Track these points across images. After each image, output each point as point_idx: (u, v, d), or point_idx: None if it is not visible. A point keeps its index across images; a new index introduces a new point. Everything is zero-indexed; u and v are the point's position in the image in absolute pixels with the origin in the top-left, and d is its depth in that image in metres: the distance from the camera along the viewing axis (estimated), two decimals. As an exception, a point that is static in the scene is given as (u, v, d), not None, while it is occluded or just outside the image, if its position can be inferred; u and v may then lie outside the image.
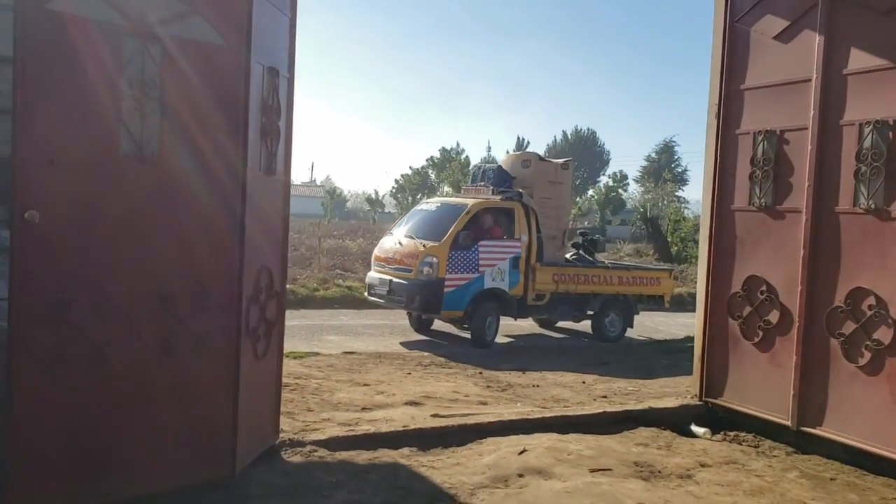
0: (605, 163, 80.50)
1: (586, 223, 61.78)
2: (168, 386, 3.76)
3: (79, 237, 3.48)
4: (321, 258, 19.52)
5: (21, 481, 3.36)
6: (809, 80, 5.34)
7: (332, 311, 13.86)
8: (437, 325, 12.39)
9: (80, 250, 3.48)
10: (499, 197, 12.03)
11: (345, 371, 8.01)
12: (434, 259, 10.95)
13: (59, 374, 3.44)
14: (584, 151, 79.96)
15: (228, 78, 3.86)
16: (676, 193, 59.94)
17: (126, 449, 3.66)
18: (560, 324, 13.50)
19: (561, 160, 13.42)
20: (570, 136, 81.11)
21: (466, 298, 11.15)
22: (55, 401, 3.45)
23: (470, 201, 11.84)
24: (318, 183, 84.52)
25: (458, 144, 60.05)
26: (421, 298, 11.01)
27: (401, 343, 11.12)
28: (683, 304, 16.37)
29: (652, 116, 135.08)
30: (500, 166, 13.01)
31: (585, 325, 13.03)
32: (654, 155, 73.39)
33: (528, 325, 13.24)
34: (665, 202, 53.87)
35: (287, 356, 8.35)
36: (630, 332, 13.06)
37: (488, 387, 7.64)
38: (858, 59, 5.06)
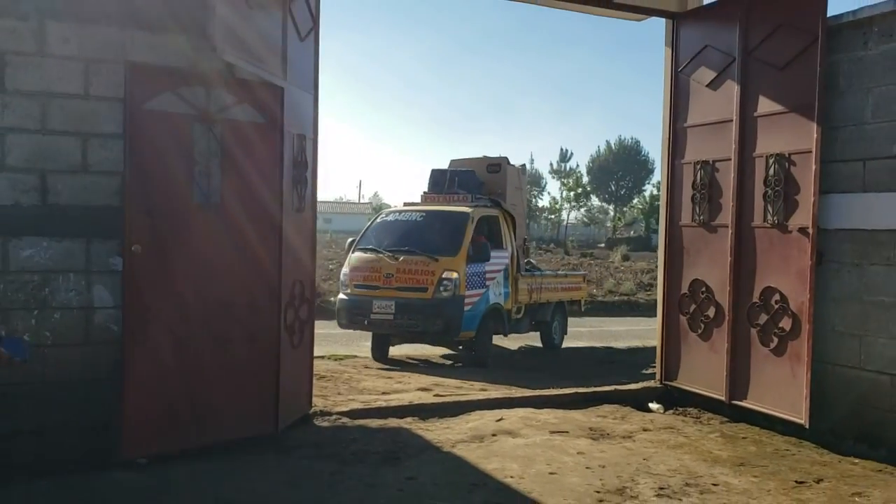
0: (650, 172, 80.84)
1: (632, 233, 62.29)
2: (229, 366, 5.27)
3: (167, 262, 5.01)
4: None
5: (132, 431, 4.88)
6: (731, 120, 6.60)
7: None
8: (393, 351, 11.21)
9: (168, 271, 5.02)
10: (485, 204, 11.24)
11: (375, 369, 9.49)
12: (454, 275, 9.87)
13: (154, 357, 4.98)
14: (628, 161, 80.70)
15: (268, 145, 5.37)
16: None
17: (199, 410, 5.16)
18: None
19: (518, 164, 12.96)
20: (613, 147, 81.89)
21: (479, 316, 10.18)
22: (151, 375, 4.98)
23: (468, 209, 10.72)
24: (366, 200, 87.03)
25: (500, 158, 60.91)
26: (443, 320, 9.82)
27: (431, 350, 12.34)
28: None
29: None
30: (473, 171, 12.02)
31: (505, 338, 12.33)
32: (698, 162, 72.92)
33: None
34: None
35: (328, 358, 9.94)
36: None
37: (494, 381, 8.97)
38: (764, 105, 6.32)
